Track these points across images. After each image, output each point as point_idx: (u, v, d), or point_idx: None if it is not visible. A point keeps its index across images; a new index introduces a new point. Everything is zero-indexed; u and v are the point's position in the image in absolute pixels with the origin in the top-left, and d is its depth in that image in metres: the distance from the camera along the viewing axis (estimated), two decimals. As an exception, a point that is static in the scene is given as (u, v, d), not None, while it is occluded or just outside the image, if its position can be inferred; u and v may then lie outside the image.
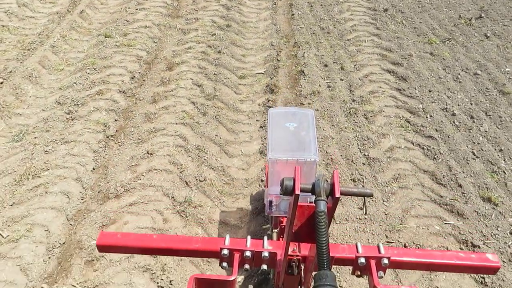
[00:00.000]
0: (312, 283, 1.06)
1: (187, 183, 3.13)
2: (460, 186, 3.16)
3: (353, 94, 4.08)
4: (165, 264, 2.57)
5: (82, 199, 3.02)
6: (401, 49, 4.75)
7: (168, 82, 4.18)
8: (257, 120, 3.78)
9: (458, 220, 2.93)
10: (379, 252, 1.33)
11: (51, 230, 2.79)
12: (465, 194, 3.10)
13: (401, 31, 5.10)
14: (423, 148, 3.51)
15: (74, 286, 2.45)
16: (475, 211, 2.98)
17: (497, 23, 5.29)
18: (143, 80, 4.23)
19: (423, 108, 3.92)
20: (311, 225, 1.24)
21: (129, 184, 3.11)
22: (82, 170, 3.24)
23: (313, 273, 1.10)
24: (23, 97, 3.97)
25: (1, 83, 4.08)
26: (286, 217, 1.92)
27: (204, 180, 3.16)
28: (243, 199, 3.07)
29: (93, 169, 3.27)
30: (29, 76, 4.18)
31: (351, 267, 1.36)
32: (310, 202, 1.24)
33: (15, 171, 3.21)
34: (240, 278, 2.54)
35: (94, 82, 4.12)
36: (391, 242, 2.77)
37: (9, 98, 3.91)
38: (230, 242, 1.37)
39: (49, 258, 2.63)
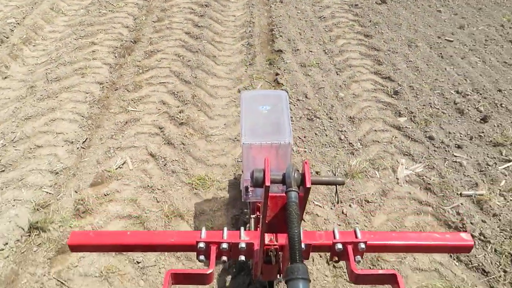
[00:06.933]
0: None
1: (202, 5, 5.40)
2: None
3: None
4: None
5: (142, 14, 5.21)
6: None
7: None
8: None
9: None
10: (356, 237, 1.33)
11: (133, 14, 5.13)
12: None
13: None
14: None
15: (154, 22, 4.71)
16: None
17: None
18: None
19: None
20: (284, 216, 1.24)
21: (164, 8, 5.33)
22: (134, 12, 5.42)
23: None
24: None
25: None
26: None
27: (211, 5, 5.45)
28: (236, 12, 5.37)
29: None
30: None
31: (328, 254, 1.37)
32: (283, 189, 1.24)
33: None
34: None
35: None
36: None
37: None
38: (206, 235, 1.34)
39: (138, 18, 5.02)
